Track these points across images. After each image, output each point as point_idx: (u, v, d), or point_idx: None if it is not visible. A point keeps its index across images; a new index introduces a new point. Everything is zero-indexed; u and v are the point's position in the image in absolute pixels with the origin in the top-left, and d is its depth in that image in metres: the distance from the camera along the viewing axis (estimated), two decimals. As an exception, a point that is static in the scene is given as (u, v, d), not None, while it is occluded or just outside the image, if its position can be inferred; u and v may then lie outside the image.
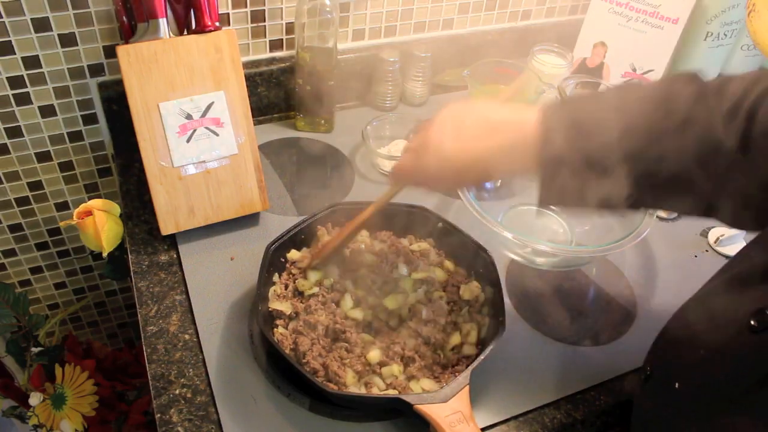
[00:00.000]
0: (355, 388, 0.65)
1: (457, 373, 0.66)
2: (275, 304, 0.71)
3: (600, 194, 0.54)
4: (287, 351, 0.67)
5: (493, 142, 0.57)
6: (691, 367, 0.54)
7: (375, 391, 0.65)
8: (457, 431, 0.58)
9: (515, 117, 0.57)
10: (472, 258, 0.77)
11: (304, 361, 0.66)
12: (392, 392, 0.65)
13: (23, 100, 0.91)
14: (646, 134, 0.52)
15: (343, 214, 0.79)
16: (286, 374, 0.69)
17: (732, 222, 0.55)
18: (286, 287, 0.75)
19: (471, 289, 0.75)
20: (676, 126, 0.51)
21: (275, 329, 0.70)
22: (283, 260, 0.76)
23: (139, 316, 0.75)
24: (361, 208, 0.76)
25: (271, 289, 0.74)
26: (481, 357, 0.65)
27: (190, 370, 0.70)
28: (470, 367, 0.64)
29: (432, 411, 0.59)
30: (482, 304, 0.75)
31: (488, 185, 0.97)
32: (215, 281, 0.79)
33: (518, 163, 0.57)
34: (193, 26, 0.82)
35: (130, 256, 0.82)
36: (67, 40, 0.88)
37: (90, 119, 0.98)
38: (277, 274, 0.75)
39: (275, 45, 1.04)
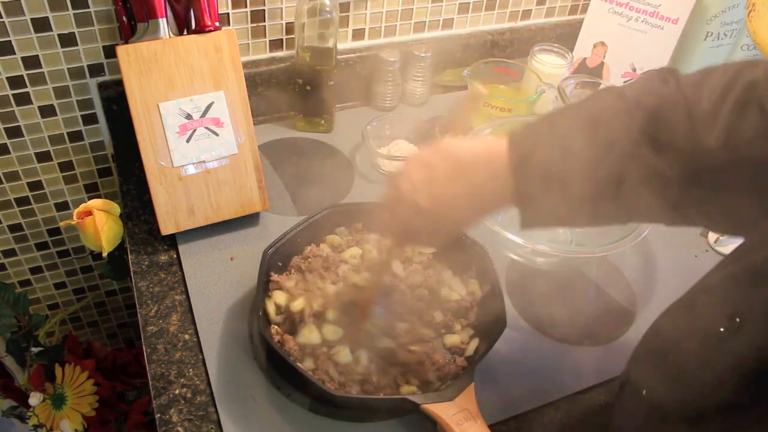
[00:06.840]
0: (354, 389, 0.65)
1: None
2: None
3: (584, 212, 0.52)
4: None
5: (466, 181, 0.54)
6: (660, 375, 0.51)
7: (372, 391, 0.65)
8: (464, 429, 0.58)
9: (483, 151, 0.54)
10: (468, 256, 0.76)
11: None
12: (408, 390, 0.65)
13: (23, 100, 0.91)
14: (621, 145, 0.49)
15: (341, 215, 0.79)
16: (286, 374, 0.69)
17: (709, 225, 0.52)
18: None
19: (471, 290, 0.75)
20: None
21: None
22: (280, 264, 0.75)
23: (139, 316, 0.75)
24: (358, 209, 0.74)
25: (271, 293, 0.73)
26: (484, 353, 0.65)
27: (190, 370, 0.70)
28: (474, 365, 0.64)
29: (439, 410, 0.59)
30: (481, 300, 0.74)
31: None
32: (215, 281, 0.79)
33: (493, 199, 0.55)
34: (193, 26, 0.82)
35: (130, 256, 0.82)
36: (67, 40, 0.88)
37: (90, 119, 0.98)
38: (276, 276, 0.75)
39: (275, 45, 1.04)
